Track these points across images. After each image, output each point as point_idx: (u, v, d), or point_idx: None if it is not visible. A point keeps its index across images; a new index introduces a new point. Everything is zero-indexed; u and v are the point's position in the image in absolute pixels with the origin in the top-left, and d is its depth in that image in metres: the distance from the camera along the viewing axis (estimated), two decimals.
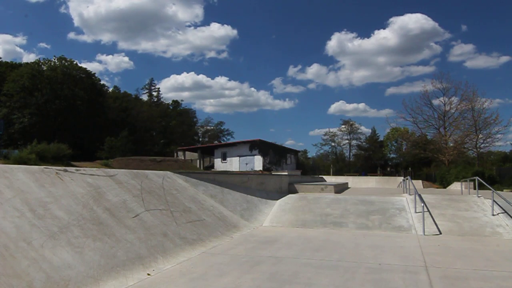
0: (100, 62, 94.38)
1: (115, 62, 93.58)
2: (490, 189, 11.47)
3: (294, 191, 15.15)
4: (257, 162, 36.60)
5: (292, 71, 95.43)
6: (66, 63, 43.07)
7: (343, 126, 61.80)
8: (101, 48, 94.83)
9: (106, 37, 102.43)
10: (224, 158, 39.18)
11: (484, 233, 9.24)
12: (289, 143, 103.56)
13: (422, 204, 9.80)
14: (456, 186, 22.91)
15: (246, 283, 4.97)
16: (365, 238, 8.61)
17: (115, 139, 37.99)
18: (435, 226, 9.71)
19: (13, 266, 4.09)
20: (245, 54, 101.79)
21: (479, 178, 14.04)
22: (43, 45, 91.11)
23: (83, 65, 47.78)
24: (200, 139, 70.13)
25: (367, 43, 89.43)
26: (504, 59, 79.00)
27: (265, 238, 8.46)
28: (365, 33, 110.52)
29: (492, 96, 76.23)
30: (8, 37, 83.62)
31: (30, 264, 4.26)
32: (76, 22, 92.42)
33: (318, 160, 64.38)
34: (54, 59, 43.13)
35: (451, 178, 27.07)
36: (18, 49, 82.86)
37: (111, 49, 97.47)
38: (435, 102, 39.10)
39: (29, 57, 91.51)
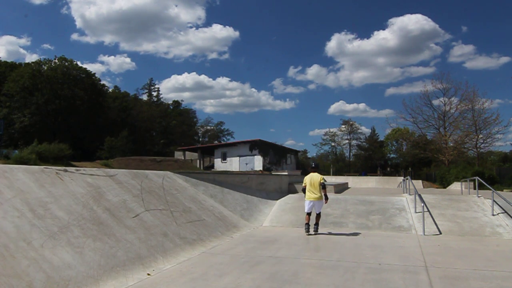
0: (102, 63, 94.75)
1: (117, 63, 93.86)
2: (490, 189, 11.45)
3: (294, 191, 15.15)
4: (257, 162, 36.59)
5: (292, 72, 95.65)
6: (66, 63, 43.08)
7: (343, 126, 61.85)
8: (103, 49, 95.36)
9: (108, 38, 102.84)
10: (224, 158, 39.17)
11: (484, 233, 9.24)
12: (289, 143, 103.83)
13: (422, 204, 9.79)
14: (456, 186, 22.90)
15: (246, 283, 4.97)
16: (365, 238, 8.61)
17: (115, 139, 38.02)
18: (435, 226, 9.71)
19: (13, 266, 4.09)
20: (246, 55, 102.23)
21: (479, 178, 14.02)
22: (46, 46, 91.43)
23: (86, 66, 47.73)
24: (200, 139, 70.14)
25: (367, 44, 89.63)
26: (504, 59, 79.19)
27: (265, 238, 8.46)
28: (365, 34, 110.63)
29: (492, 97, 76.32)
30: (12, 38, 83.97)
31: (30, 264, 4.26)
32: (78, 23, 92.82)
33: (318, 160, 64.32)
34: (55, 59, 43.18)
35: (451, 178, 27.08)
36: (21, 50, 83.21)
37: (113, 50, 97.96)
38: (435, 102, 39.20)
39: (31, 58, 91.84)
